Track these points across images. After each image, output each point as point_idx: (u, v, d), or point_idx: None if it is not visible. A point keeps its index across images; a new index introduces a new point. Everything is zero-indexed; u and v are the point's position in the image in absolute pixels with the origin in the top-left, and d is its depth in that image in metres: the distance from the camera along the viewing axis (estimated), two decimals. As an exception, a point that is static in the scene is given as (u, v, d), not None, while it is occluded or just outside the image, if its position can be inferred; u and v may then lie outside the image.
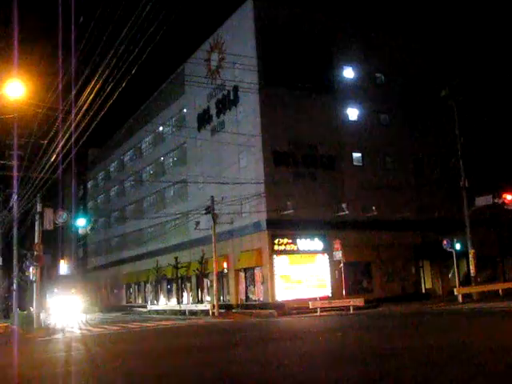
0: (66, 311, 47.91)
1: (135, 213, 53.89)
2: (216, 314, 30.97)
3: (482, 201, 30.23)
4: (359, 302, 27.99)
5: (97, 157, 69.23)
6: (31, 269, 26.73)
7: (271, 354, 11.32)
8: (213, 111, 38.67)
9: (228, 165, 36.04)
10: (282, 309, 29.23)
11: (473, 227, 30.93)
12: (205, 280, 38.75)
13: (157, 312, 39.69)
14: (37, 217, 26.14)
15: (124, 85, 15.08)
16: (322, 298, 29.94)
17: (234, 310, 33.38)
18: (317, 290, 32.02)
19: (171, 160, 47.42)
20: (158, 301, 46.60)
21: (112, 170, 63.28)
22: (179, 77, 43.74)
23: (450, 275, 36.68)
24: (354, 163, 36.19)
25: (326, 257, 32.99)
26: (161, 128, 48.72)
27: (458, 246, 30.68)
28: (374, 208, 33.65)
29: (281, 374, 8.66)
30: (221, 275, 35.60)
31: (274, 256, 31.71)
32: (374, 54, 38.06)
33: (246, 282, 34.93)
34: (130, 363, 11.41)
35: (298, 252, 32.48)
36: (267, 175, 32.35)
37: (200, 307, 34.44)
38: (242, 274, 35.18)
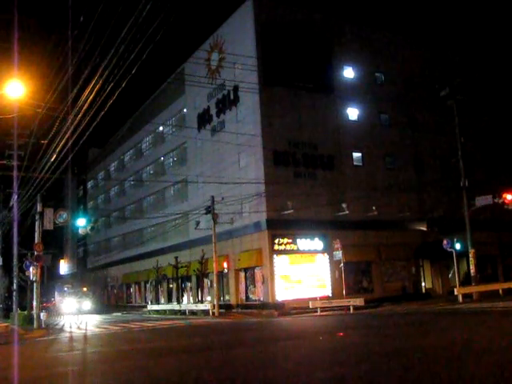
0: (76, 309, 46.18)
1: (135, 213, 53.92)
2: (216, 313, 30.97)
3: (482, 200, 30.21)
4: (359, 301, 27.95)
5: (97, 157, 69.23)
6: (31, 269, 26.71)
7: (271, 354, 11.31)
8: (213, 111, 38.66)
9: (228, 165, 36.04)
10: (282, 309, 29.23)
11: (473, 227, 30.90)
12: (205, 280, 38.75)
13: (157, 312, 39.66)
14: (37, 217, 26.13)
15: (124, 84, 15.09)
16: (322, 298, 29.91)
17: (234, 310, 33.39)
18: (317, 290, 32.01)
19: (171, 160, 47.42)
20: (158, 301, 46.59)
21: (112, 169, 63.28)
22: (179, 77, 43.71)
23: (450, 275, 36.69)
24: (354, 163, 36.19)
25: (326, 257, 32.99)
26: (161, 128, 48.72)
27: (458, 246, 30.67)
28: (374, 208, 33.65)
29: (281, 374, 8.66)
30: (221, 275, 35.60)
31: (274, 256, 31.70)
32: (373, 53, 38.07)
33: (246, 282, 34.93)
34: (130, 364, 11.39)
35: (298, 252, 32.47)
36: (267, 175, 32.33)
37: (200, 307, 34.43)
38: (242, 274, 35.17)
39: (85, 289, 57.32)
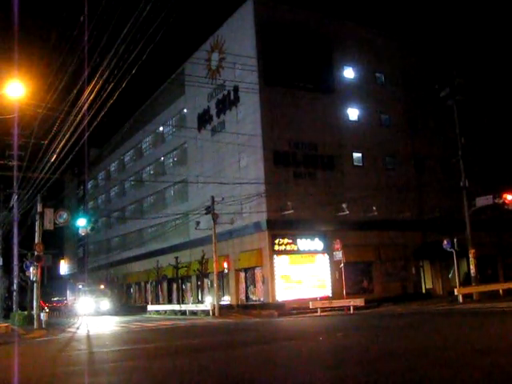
0: (94, 310, 42.39)
1: (135, 213, 53.92)
2: (216, 314, 30.95)
3: (482, 201, 30.19)
4: (359, 302, 27.94)
5: (97, 157, 69.24)
6: (31, 269, 26.73)
7: (272, 354, 11.31)
8: (213, 111, 38.67)
9: (228, 165, 36.05)
10: (283, 309, 29.22)
11: (473, 227, 30.89)
12: (205, 280, 38.76)
13: (157, 312, 39.64)
14: (37, 217, 26.13)
15: (124, 85, 15.10)
16: (322, 298, 29.93)
17: (234, 310, 33.36)
18: (317, 290, 32.02)
19: (171, 160, 47.43)
20: (158, 301, 46.57)
21: (112, 170, 63.31)
22: (179, 77, 43.73)
23: (450, 275, 36.67)
24: (355, 163, 36.19)
25: (326, 257, 32.99)
26: (161, 128, 48.74)
27: (458, 246, 30.62)
28: (374, 208, 33.65)
29: (282, 374, 8.66)
30: (221, 275, 35.59)
31: (275, 256, 31.70)
32: (374, 53, 38.06)
33: (246, 282, 34.94)
34: (130, 364, 11.39)
35: (298, 252, 32.48)
36: (267, 175, 32.33)
37: (200, 307, 34.41)
38: (243, 274, 35.18)
39: (102, 286, 51.33)
